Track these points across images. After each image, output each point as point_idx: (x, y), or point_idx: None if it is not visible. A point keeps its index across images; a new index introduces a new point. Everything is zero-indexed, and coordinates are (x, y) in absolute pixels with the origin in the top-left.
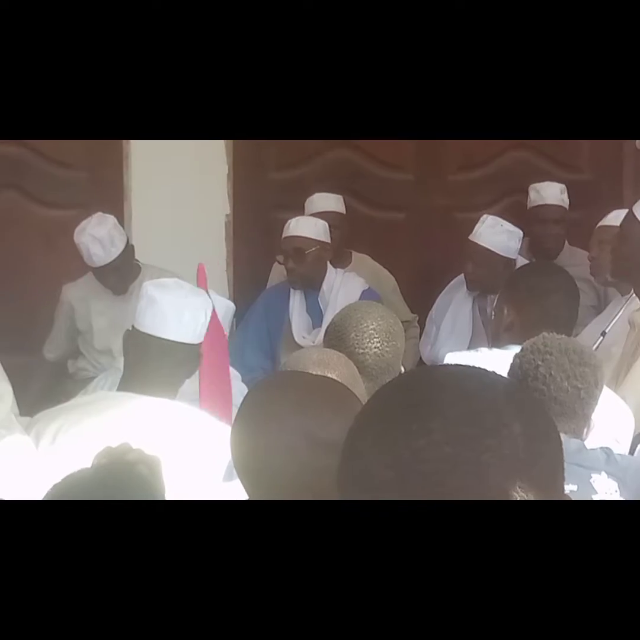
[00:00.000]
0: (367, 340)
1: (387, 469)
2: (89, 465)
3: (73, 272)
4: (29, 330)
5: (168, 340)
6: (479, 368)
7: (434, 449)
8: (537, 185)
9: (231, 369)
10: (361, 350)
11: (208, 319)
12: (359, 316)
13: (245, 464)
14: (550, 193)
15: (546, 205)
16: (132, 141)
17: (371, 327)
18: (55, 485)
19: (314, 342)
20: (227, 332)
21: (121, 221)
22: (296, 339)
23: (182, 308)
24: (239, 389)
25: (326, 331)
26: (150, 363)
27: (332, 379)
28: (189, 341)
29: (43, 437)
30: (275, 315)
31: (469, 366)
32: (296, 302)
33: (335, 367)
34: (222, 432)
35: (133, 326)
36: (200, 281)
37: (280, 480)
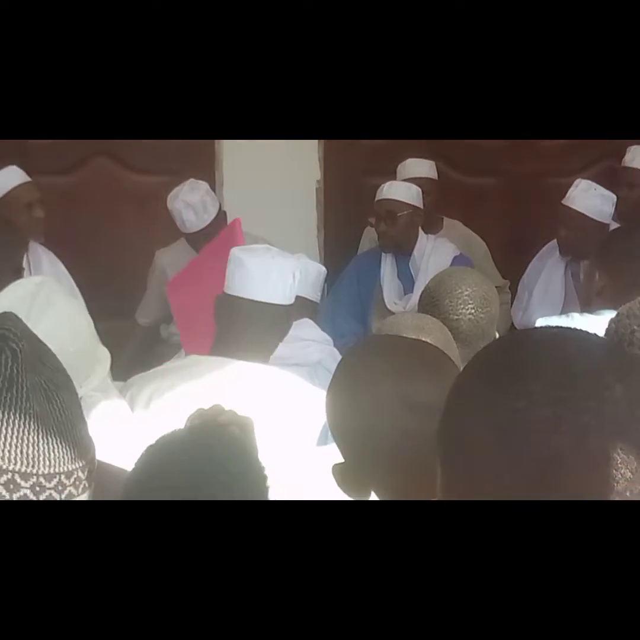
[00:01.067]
0: (462, 306)
1: (487, 431)
2: (181, 427)
3: (165, 238)
4: (122, 295)
5: (255, 301)
6: (579, 330)
7: (535, 410)
8: (634, 148)
9: (322, 333)
10: (456, 316)
11: (297, 281)
12: (453, 282)
13: (341, 428)
14: None
15: (635, 169)
16: None
17: (466, 293)
18: (149, 446)
19: (405, 308)
20: (318, 296)
21: (213, 187)
22: (387, 304)
23: (269, 269)
24: (329, 353)
25: (420, 297)
26: (239, 325)
27: (428, 342)
28: (276, 302)
29: (137, 401)
30: (367, 281)
31: (569, 328)
32: (387, 268)
33: (431, 332)
34: (316, 396)
35: (223, 291)
36: (238, 236)
37: (376, 444)
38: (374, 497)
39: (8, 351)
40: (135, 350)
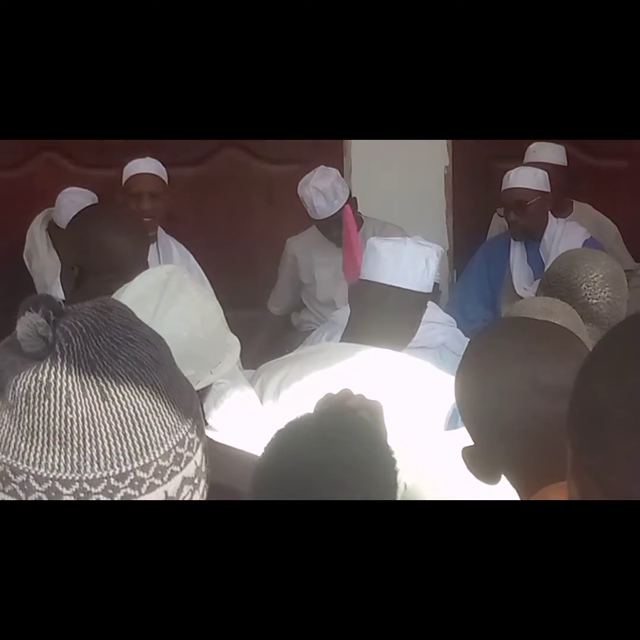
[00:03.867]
0: (600, 289)
1: (620, 408)
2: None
3: (295, 226)
4: (254, 284)
5: (385, 285)
6: None
7: None
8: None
9: (445, 314)
10: (595, 300)
11: (431, 269)
12: (588, 266)
13: (470, 410)
14: None
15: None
16: None
17: (601, 276)
18: (278, 431)
19: (535, 293)
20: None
21: (342, 174)
22: (517, 290)
23: (400, 253)
24: (453, 335)
25: (547, 283)
26: (370, 310)
27: (556, 324)
28: (407, 287)
29: (267, 388)
30: (496, 266)
31: None
32: (517, 253)
33: (559, 315)
34: (444, 380)
35: (359, 278)
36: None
37: (505, 427)
38: (504, 481)
39: (49, 355)
40: (267, 338)
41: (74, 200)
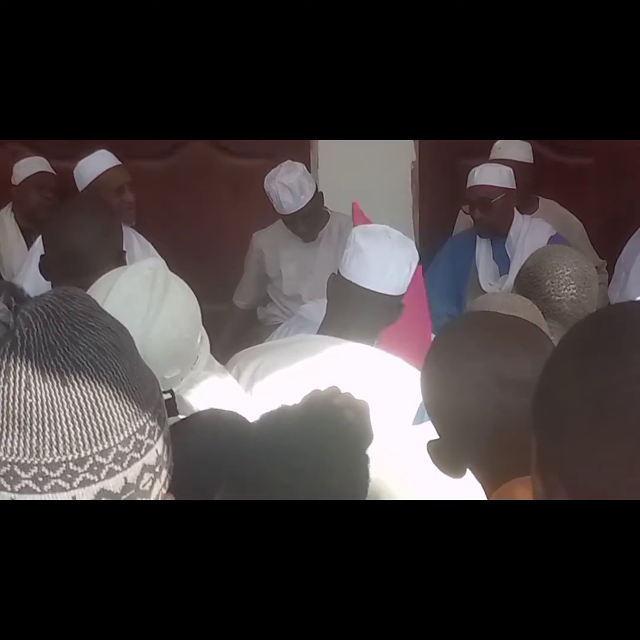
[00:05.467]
0: (563, 286)
1: (583, 405)
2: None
3: (262, 220)
4: (220, 278)
5: (370, 290)
6: None
7: (632, 383)
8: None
9: None
10: (557, 297)
11: (412, 271)
12: (554, 262)
13: (435, 405)
14: None
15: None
16: None
17: (567, 273)
18: (268, 413)
19: (500, 289)
20: None
21: (308, 169)
22: (482, 286)
23: (387, 260)
24: None
25: (518, 277)
26: (351, 309)
27: (521, 318)
28: (390, 293)
29: (243, 375)
30: (462, 262)
31: None
32: (482, 250)
33: (520, 310)
34: (414, 376)
35: (338, 271)
36: (357, 219)
37: (470, 421)
38: (469, 474)
39: (9, 340)
40: (233, 332)
41: (29, 161)
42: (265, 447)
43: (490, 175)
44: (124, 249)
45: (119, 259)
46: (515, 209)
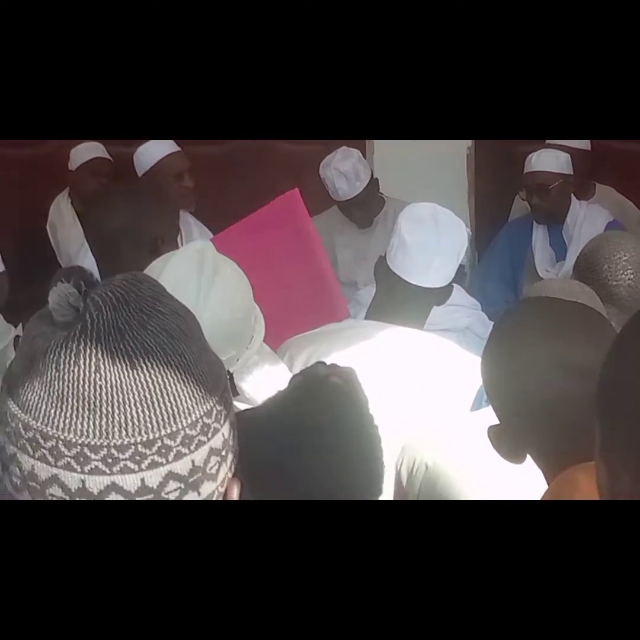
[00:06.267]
0: (621, 271)
1: None
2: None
3: (316, 206)
4: None
5: (414, 285)
6: None
7: None
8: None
9: (469, 297)
10: (614, 282)
11: (460, 259)
12: (611, 248)
13: (496, 389)
14: None
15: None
16: None
17: (624, 258)
18: (255, 408)
19: (557, 275)
20: (468, 260)
21: (363, 155)
22: (539, 272)
23: (432, 255)
24: (478, 318)
25: (575, 263)
26: (397, 299)
27: (583, 304)
28: (435, 286)
29: (295, 364)
30: (518, 248)
31: None
32: (539, 236)
33: (578, 296)
34: (470, 360)
35: (385, 257)
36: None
37: (532, 405)
38: (529, 460)
39: (80, 323)
40: None
41: (85, 147)
42: (268, 434)
43: (548, 161)
44: (180, 235)
45: (155, 247)
46: (572, 194)
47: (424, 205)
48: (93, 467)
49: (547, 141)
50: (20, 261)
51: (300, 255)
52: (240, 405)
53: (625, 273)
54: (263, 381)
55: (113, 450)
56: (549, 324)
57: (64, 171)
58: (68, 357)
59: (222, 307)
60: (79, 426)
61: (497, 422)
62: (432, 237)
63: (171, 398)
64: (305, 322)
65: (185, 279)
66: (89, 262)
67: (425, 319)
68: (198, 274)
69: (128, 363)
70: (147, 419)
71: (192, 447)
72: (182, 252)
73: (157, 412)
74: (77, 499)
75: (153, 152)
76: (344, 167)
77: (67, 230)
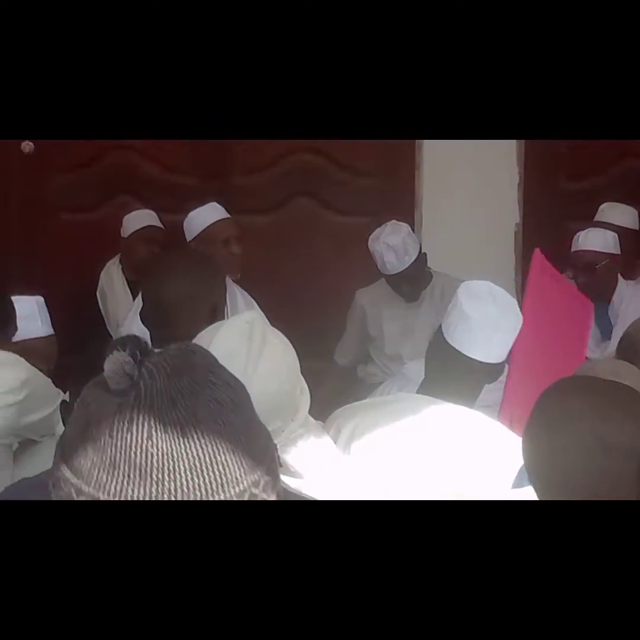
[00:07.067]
0: None
1: None
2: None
3: (364, 278)
4: (321, 335)
5: (474, 359)
6: None
7: None
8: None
9: None
10: None
11: (515, 337)
12: None
13: (537, 467)
14: None
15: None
16: (425, 149)
17: None
18: None
19: (602, 355)
20: None
21: (412, 228)
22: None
23: (493, 330)
24: None
25: (619, 343)
26: (453, 374)
27: (622, 384)
28: (494, 361)
29: (343, 432)
30: None
31: None
32: None
33: (626, 377)
34: (514, 441)
35: (441, 332)
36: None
37: (572, 483)
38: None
39: (134, 391)
40: (333, 389)
41: (138, 214)
42: None
43: (596, 240)
44: (226, 303)
45: (212, 314)
46: (619, 274)
47: (480, 282)
48: None
49: (595, 219)
50: (69, 326)
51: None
52: (284, 478)
53: None
54: (307, 454)
55: None
56: (588, 403)
57: (116, 237)
58: (121, 424)
59: (270, 379)
60: (130, 492)
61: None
62: (493, 312)
63: (220, 467)
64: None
65: (235, 350)
66: (136, 329)
67: (477, 396)
68: (247, 345)
69: (179, 432)
70: (196, 486)
71: None
72: (231, 323)
73: (206, 481)
74: None
75: (203, 217)
76: (393, 241)
77: (117, 297)
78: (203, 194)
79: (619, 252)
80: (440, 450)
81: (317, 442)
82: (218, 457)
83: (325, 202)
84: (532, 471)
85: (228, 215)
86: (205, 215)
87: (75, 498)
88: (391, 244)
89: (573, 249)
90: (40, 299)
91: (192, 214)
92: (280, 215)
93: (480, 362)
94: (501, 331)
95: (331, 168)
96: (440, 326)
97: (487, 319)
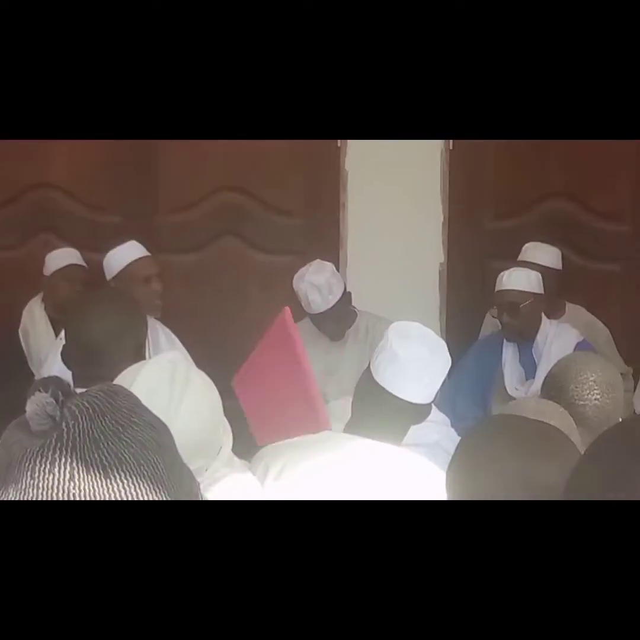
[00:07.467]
0: (587, 391)
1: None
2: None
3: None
4: None
5: (403, 400)
6: None
7: None
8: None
9: (440, 413)
10: (581, 402)
11: (444, 377)
12: (579, 368)
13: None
14: None
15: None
16: (349, 188)
17: (591, 378)
18: None
19: (526, 393)
20: None
21: (337, 267)
22: (508, 390)
23: (423, 371)
24: (447, 434)
25: (544, 382)
26: (381, 414)
27: (548, 424)
28: (423, 402)
29: (270, 470)
30: (488, 365)
31: None
32: (509, 353)
33: (551, 417)
34: (438, 477)
35: (370, 372)
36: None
37: None
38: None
39: (56, 433)
40: None
41: (60, 253)
42: None
43: (520, 280)
44: (148, 340)
45: (137, 352)
46: (542, 313)
47: (410, 323)
48: None
49: (519, 258)
50: None
51: (293, 376)
52: None
53: (592, 393)
54: (231, 493)
55: None
56: (514, 441)
57: (38, 276)
58: (43, 466)
59: (192, 417)
60: None
61: None
62: (423, 353)
63: None
64: (294, 433)
65: (158, 389)
66: (57, 368)
67: (404, 435)
68: (170, 383)
69: (102, 473)
70: None
71: None
72: (154, 362)
73: None
74: None
75: (123, 255)
76: (317, 280)
77: (39, 335)
78: (127, 233)
79: (543, 292)
80: (363, 487)
81: (241, 480)
82: (141, 497)
83: (250, 241)
84: None
85: (147, 253)
86: (125, 254)
87: None
88: (315, 283)
89: (497, 288)
90: None
91: (111, 253)
92: (206, 254)
93: (409, 403)
94: (431, 372)
95: (256, 207)
96: (368, 366)
97: (417, 359)
